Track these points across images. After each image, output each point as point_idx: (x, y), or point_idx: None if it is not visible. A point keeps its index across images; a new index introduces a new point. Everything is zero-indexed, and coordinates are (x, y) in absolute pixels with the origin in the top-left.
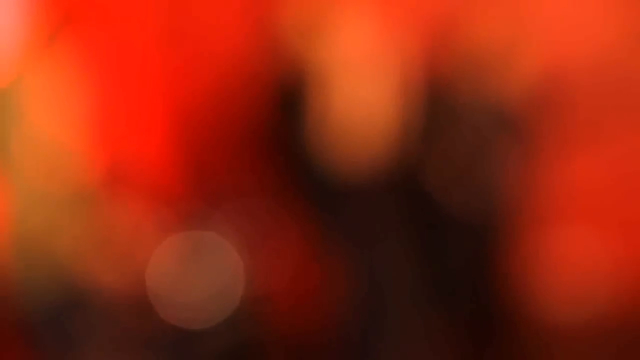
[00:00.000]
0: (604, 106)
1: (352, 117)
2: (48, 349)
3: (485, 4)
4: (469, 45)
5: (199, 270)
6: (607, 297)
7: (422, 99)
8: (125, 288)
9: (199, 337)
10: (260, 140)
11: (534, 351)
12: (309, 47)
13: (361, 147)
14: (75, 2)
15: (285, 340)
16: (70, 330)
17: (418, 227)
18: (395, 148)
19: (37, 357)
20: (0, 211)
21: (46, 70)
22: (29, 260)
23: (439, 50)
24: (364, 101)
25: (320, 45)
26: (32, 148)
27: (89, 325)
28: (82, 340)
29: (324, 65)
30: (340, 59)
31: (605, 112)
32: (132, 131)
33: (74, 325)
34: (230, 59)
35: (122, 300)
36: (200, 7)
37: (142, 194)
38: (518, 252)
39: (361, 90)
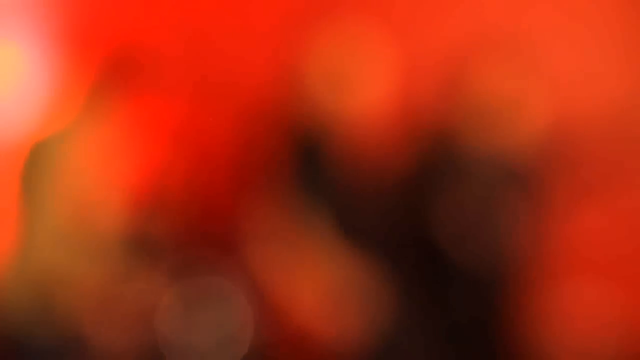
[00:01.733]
0: (613, 159)
1: (365, 165)
2: None
3: (496, 55)
4: (479, 97)
5: (208, 317)
6: (615, 349)
7: (432, 150)
8: (134, 335)
9: None
10: (275, 186)
11: None
12: (333, 96)
13: (373, 200)
14: (113, 57)
15: None
16: None
17: (428, 279)
18: (406, 200)
19: None
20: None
21: (85, 122)
22: (39, 302)
23: (449, 101)
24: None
25: (343, 95)
26: (62, 196)
27: None
28: None
29: (345, 114)
30: (361, 108)
31: (614, 165)
32: (150, 176)
33: None
34: (256, 103)
35: (131, 347)
36: (231, 53)
37: (155, 239)
38: (527, 304)
39: (376, 140)
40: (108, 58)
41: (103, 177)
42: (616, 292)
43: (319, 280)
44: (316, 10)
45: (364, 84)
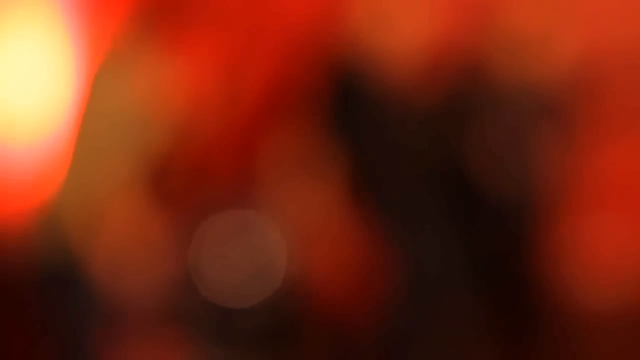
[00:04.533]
0: None
1: (398, 99)
2: (89, 325)
3: None
4: (509, 30)
5: (242, 250)
6: None
7: (464, 83)
8: (168, 267)
9: (240, 316)
10: (313, 122)
11: (569, 334)
12: (375, 32)
13: (405, 134)
14: None
15: (325, 321)
16: (112, 307)
17: (457, 211)
18: (435, 133)
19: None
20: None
21: (131, 55)
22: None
23: (481, 34)
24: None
25: (385, 31)
26: (111, 123)
27: (129, 302)
28: (125, 317)
29: (385, 51)
30: (401, 44)
31: None
32: (191, 112)
33: (114, 299)
34: (298, 37)
35: (165, 278)
36: None
37: (190, 172)
38: (554, 236)
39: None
40: None
41: (150, 108)
42: None
43: (352, 215)
44: None
45: (404, 21)
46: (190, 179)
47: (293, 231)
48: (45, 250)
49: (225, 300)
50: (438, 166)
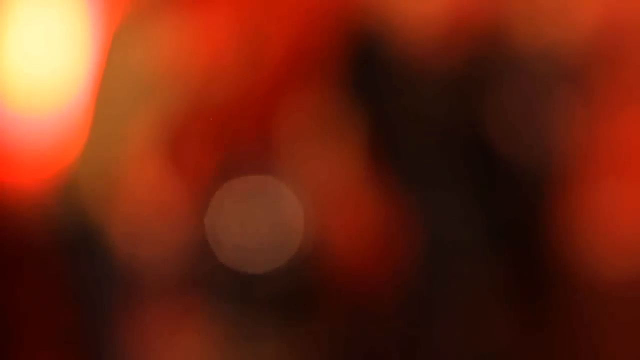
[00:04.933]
0: None
1: (417, 64)
2: (106, 286)
3: None
4: None
5: (259, 215)
6: None
7: (483, 49)
8: (185, 231)
9: (257, 281)
10: (332, 87)
11: (582, 304)
12: (394, 0)
13: (422, 97)
14: None
15: (343, 286)
16: (130, 272)
17: (474, 175)
18: (454, 98)
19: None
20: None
21: (154, 18)
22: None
23: (498, 0)
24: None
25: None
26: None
27: (146, 267)
28: (143, 283)
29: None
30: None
31: None
32: (205, 73)
33: (132, 265)
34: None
35: (182, 242)
36: None
37: (206, 137)
38: (571, 203)
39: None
40: None
41: (168, 71)
42: None
43: (369, 180)
44: None
45: None
46: (208, 144)
47: (311, 197)
48: (63, 218)
49: (243, 265)
50: (457, 132)
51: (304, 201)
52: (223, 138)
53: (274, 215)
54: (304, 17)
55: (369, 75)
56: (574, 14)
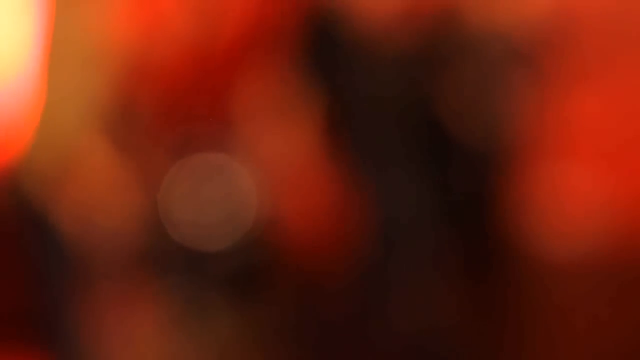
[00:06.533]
0: (613, 41)
1: (369, 43)
2: (56, 267)
3: None
4: None
5: (212, 193)
6: (606, 233)
7: (434, 28)
8: (137, 209)
9: (210, 259)
10: (286, 65)
11: (531, 283)
12: None
13: (376, 77)
14: None
15: (296, 264)
16: (83, 250)
17: (427, 154)
18: (408, 78)
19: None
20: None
21: None
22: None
23: None
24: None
25: None
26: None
27: (99, 246)
28: (96, 261)
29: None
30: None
31: (614, 47)
32: (152, 46)
33: (85, 243)
34: None
35: (135, 221)
36: None
37: (158, 114)
38: (521, 182)
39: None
40: None
41: (115, 46)
42: (610, 178)
43: (321, 158)
44: None
45: None
46: (162, 121)
47: (265, 174)
48: (12, 198)
49: (196, 243)
50: (411, 111)
51: (258, 178)
52: (176, 114)
53: (228, 193)
54: None
55: (324, 53)
56: None
